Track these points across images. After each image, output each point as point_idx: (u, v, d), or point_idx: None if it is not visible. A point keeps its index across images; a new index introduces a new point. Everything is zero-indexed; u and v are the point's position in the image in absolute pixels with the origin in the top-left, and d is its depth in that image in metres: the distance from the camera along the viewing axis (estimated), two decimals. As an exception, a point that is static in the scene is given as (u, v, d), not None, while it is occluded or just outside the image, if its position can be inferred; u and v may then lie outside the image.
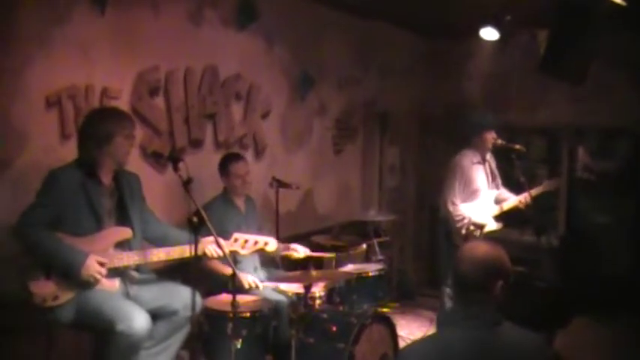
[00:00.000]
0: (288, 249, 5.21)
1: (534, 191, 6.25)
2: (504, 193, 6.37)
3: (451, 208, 5.89)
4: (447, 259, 6.02)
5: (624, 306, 6.67)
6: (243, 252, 4.43)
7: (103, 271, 3.88)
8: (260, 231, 5.07)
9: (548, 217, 7.78)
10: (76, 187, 3.93)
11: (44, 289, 3.79)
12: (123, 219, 4.14)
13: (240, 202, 5.28)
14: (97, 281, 3.87)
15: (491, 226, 6.09)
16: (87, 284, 3.86)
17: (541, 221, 6.85)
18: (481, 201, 6.11)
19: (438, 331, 2.69)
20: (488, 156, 6.26)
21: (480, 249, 2.64)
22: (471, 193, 6.04)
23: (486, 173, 6.23)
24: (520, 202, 6.21)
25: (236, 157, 5.26)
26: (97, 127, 4.03)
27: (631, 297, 6.78)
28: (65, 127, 4.44)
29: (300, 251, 5.20)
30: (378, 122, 7.87)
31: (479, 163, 6.13)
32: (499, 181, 6.37)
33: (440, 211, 6.17)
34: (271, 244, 4.50)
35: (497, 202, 6.27)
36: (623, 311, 6.55)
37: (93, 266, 3.84)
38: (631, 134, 7.44)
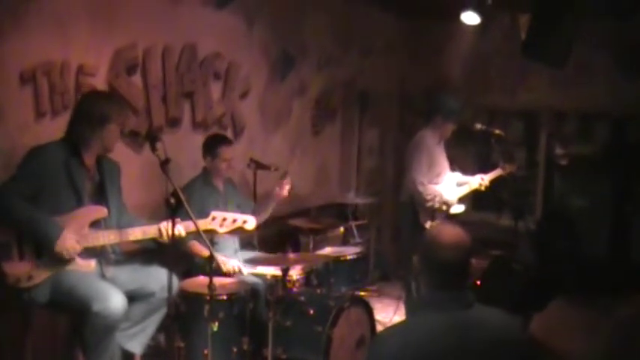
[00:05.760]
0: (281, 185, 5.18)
1: (490, 175, 6.28)
2: (460, 176, 6.37)
3: (421, 188, 5.79)
4: (413, 243, 5.94)
5: (601, 289, 6.72)
6: (221, 230, 4.38)
7: (78, 247, 3.82)
8: (240, 209, 5.03)
9: (526, 200, 7.80)
10: (58, 165, 3.88)
11: (18, 269, 3.74)
12: (100, 201, 4.08)
13: (219, 184, 5.23)
14: (70, 257, 3.81)
15: (457, 208, 6.09)
16: (60, 259, 3.79)
17: (518, 205, 6.87)
18: (445, 184, 6.09)
19: (413, 317, 2.67)
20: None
21: (454, 232, 2.62)
22: (435, 176, 5.98)
23: (445, 156, 6.21)
24: (480, 184, 6.24)
25: (226, 141, 5.20)
26: (96, 108, 3.98)
27: (608, 280, 6.84)
28: (40, 104, 4.35)
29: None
30: (357, 103, 7.81)
31: (439, 144, 6.08)
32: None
33: (402, 195, 6.08)
34: (250, 223, 4.45)
35: (459, 184, 6.26)
36: (600, 294, 6.60)
37: (69, 240, 3.78)
38: (610, 118, 7.47)
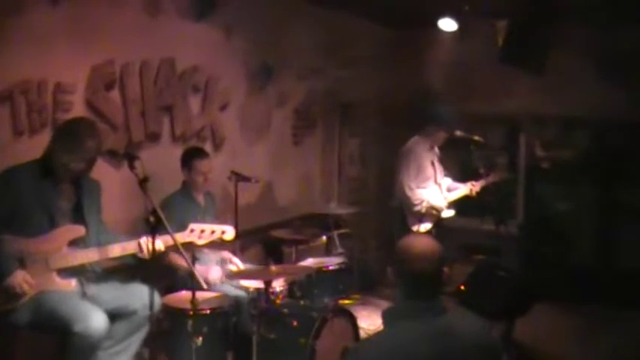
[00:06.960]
0: (230, 262, 5.19)
1: (481, 183, 6.44)
2: (450, 182, 6.51)
3: (409, 192, 6.01)
4: None
5: (583, 293, 6.78)
6: (200, 242, 4.35)
7: (27, 288, 3.76)
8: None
9: (507, 205, 7.85)
10: (29, 187, 3.87)
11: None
12: (78, 221, 4.06)
13: (199, 197, 5.23)
14: (17, 296, 3.74)
15: (447, 213, 6.24)
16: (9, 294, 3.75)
17: (500, 210, 6.93)
18: (433, 189, 6.19)
19: (389, 326, 2.71)
20: (436, 148, 6.36)
21: (427, 243, 2.71)
22: (423, 180, 6.14)
23: (435, 163, 6.32)
24: (470, 190, 6.42)
25: (201, 154, 5.21)
26: (72, 137, 3.96)
27: (590, 284, 6.90)
28: (18, 123, 4.33)
29: (239, 266, 5.18)
30: (338, 112, 7.82)
31: (429, 151, 6.22)
32: (442, 171, 6.46)
33: (392, 201, 6.26)
34: (229, 233, 4.43)
35: (448, 190, 6.39)
36: (582, 298, 6.66)
37: (18, 279, 3.73)
38: (591, 123, 7.52)
